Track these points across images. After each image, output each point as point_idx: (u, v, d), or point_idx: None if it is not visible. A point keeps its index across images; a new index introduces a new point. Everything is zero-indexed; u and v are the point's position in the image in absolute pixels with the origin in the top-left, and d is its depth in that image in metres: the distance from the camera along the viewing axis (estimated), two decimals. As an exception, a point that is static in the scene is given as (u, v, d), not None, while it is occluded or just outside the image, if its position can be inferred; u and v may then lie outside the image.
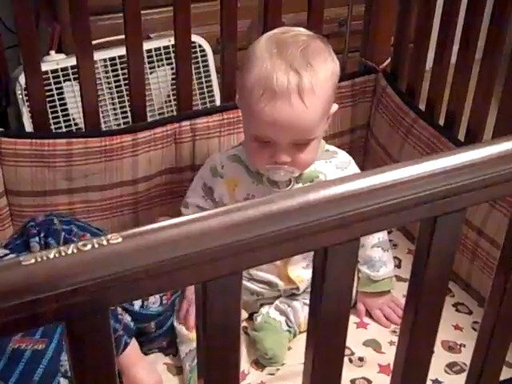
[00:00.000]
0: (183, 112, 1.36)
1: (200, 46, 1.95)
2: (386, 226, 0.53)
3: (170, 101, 1.84)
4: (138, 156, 1.32)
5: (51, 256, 0.42)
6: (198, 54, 1.94)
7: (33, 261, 0.42)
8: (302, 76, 1.06)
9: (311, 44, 1.09)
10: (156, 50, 1.89)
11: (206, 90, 1.98)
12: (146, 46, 1.86)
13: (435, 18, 1.36)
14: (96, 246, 0.43)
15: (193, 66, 1.93)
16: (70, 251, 0.42)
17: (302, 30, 1.15)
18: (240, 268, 0.48)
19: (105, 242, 0.43)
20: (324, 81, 1.08)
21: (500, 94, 1.21)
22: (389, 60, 1.48)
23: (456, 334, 1.25)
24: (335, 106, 1.15)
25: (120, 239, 0.44)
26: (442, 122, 1.37)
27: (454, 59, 1.32)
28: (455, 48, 1.32)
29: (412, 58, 1.41)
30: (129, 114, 1.52)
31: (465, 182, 0.52)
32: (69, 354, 0.46)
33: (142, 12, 1.99)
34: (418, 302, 0.59)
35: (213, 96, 1.91)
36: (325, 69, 1.08)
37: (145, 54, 1.85)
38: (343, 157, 1.23)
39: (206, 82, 1.98)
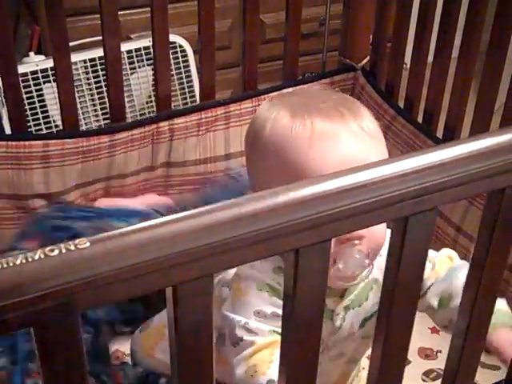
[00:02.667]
0: (162, 112, 1.36)
1: (180, 46, 1.95)
2: (357, 226, 0.53)
3: (151, 101, 1.84)
4: (115, 157, 1.32)
5: (18, 262, 0.42)
6: (179, 54, 1.94)
7: (-2, 267, 0.41)
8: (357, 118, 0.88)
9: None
10: (136, 50, 1.89)
11: (187, 89, 1.98)
12: (127, 46, 1.86)
13: (413, 17, 1.37)
14: (64, 251, 0.43)
15: (174, 66, 1.94)
16: (37, 257, 0.42)
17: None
18: (211, 270, 0.48)
19: (72, 247, 0.43)
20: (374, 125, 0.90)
21: (477, 91, 1.22)
22: (367, 58, 1.48)
23: (433, 338, 1.25)
24: None
25: (88, 244, 0.43)
26: (420, 119, 1.38)
27: (431, 58, 1.33)
28: (433, 46, 1.33)
29: (390, 56, 1.42)
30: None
31: (434, 181, 0.52)
32: (39, 360, 0.46)
33: (122, 12, 2.00)
34: (391, 303, 0.59)
35: (194, 95, 1.91)
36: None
37: (125, 55, 1.85)
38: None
39: (187, 81, 1.98)
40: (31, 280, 0.42)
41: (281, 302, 0.56)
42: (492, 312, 0.67)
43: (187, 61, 1.94)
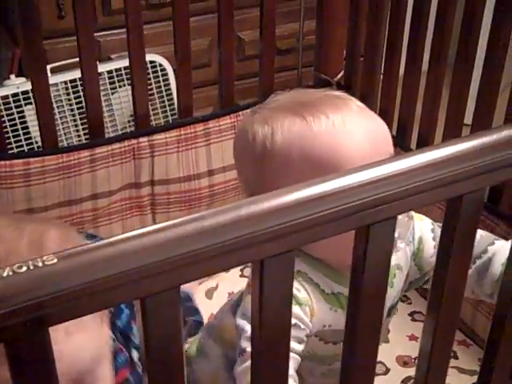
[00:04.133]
0: (141, 129, 1.38)
1: (160, 64, 1.98)
2: (319, 236, 0.55)
3: (132, 120, 1.86)
4: (97, 172, 1.33)
5: (-14, 279, 0.43)
6: (159, 73, 1.97)
7: (-33, 285, 0.43)
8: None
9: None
10: (117, 70, 1.91)
11: (168, 107, 2.00)
12: (107, 66, 1.88)
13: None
14: (31, 267, 0.44)
15: (154, 84, 1.96)
16: (5, 274, 0.44)
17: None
18: (177, 282, 0.50)
19: (40, 264, 0.44)
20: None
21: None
22: (342, 72, 1.51)
23: (411, 345, 1.27)
24: None
25: (55, 260, 0.45)
26: (394, 131, 1.40)
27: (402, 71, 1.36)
28: (403, 60, 1.36)
29: (364, 70, 1.44)
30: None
31: (393, 191, 0.54)
32: (11, 375, 0.47)
33: (102, 33, 2.03)
34: (357, 312, 0.60)
35: (175, 113, 1.94)
36: None
37: (106, 75, 1.87)
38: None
39: (168, 99, 2.00)
40: (0, 297, 0.44)
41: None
42: (458, 317, 0.69)
43: (167, 79, 1.97)
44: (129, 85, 1.80)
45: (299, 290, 0.88)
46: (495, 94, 1.18)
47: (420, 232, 1.00)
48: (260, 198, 0.51)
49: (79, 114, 1.84)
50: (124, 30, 1.35)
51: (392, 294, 0.96)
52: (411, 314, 1.35)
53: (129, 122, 1.92)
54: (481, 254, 0.96)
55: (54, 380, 0.48)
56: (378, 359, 0.65)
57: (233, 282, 1.37)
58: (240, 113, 1.43)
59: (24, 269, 0.44)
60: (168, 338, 0.52)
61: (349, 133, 0.86)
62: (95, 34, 1.36)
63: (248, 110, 0.94)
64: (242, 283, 1.10)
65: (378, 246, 0.58)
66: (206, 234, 0.49)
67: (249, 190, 0.95)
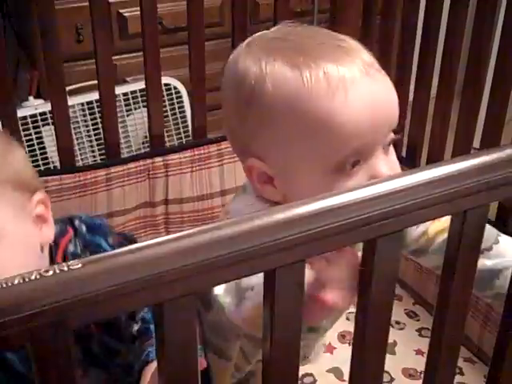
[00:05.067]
0: (156, 149, 1.41)
1: (175, 87, 2.02)
2: (328, 248, 0.57)
3: (147, 142, 1.90)
4: (112, 190, 1.37)
5: (16, 282, 0.46)
6: (174, 96, 2.01)
7: (-3, 286, 0.46)
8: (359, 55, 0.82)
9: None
10: (132, 92, 1.95)
11: (182, 129, 2.04)
12: (123, 89, 1.93)
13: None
14: (57, 271, 0.47)
15: (169, 107, 2.00)
16: (33, 277, 0.47)
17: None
18: (194, 289, 0.52)
19: (65, 268, 0.47)
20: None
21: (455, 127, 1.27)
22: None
23: (417, 359, 1.29)
24: None
25: (80, 265, 0.48)
26: (404, 154, 1.43)
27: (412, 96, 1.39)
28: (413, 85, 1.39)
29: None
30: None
31: (399, 205, 0.57)
32: (36, 376, 0.50)
33: (118, 57, 2.08)
34: (365, 323, 0.63)
35: (189, 135, 1.97)
36: None
37: (121, 97, 1.92)
38: None
39: (182, 121, 2.04)
40: (27, 299, 0.47)
41: None
42: (462, 330, 0.71)
43: (182, 102, 2.01)
44: (144, 107, 1.84)
45: None
46: (503, 117, 1.20)
47: None
48: (272, 210, 0.54)
49: (95, 134, 1.88)
50: (139, 53, 1.39)
51: None
52: (419, 330, 1.37)
53: (143, 143, 1.95)
54: (484, 250, 0.94)
55: (76, 380, 0.51)
56: (385, 368, 0.67)
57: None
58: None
59: (50, 272, 0.47)
60: (183, 342, 0.54)
61: (348, 101, 0.78)
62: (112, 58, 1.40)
63: (244, 44, 0.83)
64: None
65: (385, 258, 0.60)
66: (221, 243, 0.52)
67: (234, 142, 0.90)
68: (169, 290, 0.51)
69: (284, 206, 0.55)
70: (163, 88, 1.86)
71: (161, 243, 0.51)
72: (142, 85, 1.85)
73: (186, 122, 2.01)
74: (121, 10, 2.09)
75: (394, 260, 0.61)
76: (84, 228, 0.97)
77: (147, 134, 1.85)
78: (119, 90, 1.87)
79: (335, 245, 0.57)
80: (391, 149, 0.86)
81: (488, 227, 0.95)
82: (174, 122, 2.01)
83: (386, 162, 0.83)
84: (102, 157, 1.76)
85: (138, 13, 1.33)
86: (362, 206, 0.56)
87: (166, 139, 1.64)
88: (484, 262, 0.94)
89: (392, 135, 0.84)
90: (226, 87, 0.87)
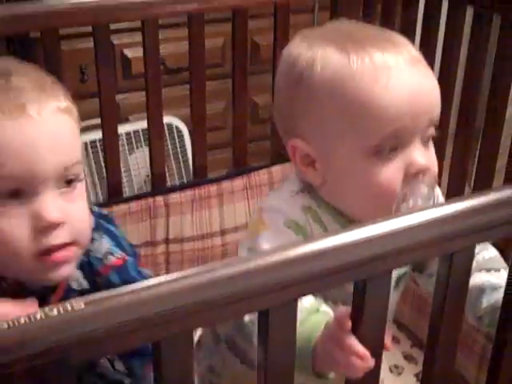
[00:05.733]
0: (157, 188, 1.44)
1: (177, 127, 2.06)
2: (321, 288, 0.60)
3: (149, 180, 1.93)
4: (114, 230, 1.39)
5: (22, 321, 0.49)
6: (175, 135, 2.04)
7: (5, 326, 0.48)
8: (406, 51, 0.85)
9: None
10: (135, 132, 1.99)
11: (183, 168, 2.07)
12: (125, 128, 1.96)
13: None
14: (62, 311, 0.50)
15: (171, 146, 2.03)
16: (38, 316, 0.49)
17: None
18: (190, 327, 0.55)
19: (69, 308, 0.50)
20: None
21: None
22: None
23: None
24: None
25: (83, 305, 0.50)
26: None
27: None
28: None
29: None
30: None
31: (387, 248, 0.60)
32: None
33: (121, 96, 2.11)
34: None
35: (190, 173, 2.00)
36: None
37: (124, 136, 1.95)
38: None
39: (183, 160, 2.07)
40: (32, 337, 0.49)
41: None
42: (453, 367, 0.73)
43: (183, 141, 2.05)
44: (146, 146, 1.87)
45: (305, 224, 0.87)
46: (494, 159, 1.22)
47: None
48: (265, 252, 0.57)
49: (97, 172, 1.91)
50: (142, 92, 1.43)
51: None
52: (417, 375, 1.38)
53: (145, 182, 1.98)
54: (491, 269, 0.93)
55: (77, 415, 0.53)
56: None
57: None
58: (252, 174, 1.50)
59: (55, 312, 0.50)
60: (181, 378, 0.57)
61: (390, 86, 0.81)
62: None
63: (299, 35, 0.90)
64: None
65: (375, 298, 0.63)
66: (216, 284, 0.54)
67: (280, 122, 0.94)
68: (166, 329, 0.54)
69: (276, 247, 0.57)
70: (165, 127, 1.90)
71: (159, 284, 0.53)
72: (144, 124, 1.88)
73: (187, 161, 2.04)
74: (124, 51, 2.14)
75: (383, 300, 0.64)
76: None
77: (149, 173, 1.88)
78: (122, 129, 1.90)
79: (327, 285, 0.60)
80: (431, 146, 0.88)
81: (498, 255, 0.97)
82: (176, 160, 2.04)
83: (424, 153, 0.85)
84: (105, 195, 1.79)
85: (142, 53, 1.37)
86: (351, 249, 0.59)
87: (168, 178, 1.67)
88: (489, 278, 0.92)
89: (433, 130, 0.86)
90: (279, 73, 0.93)
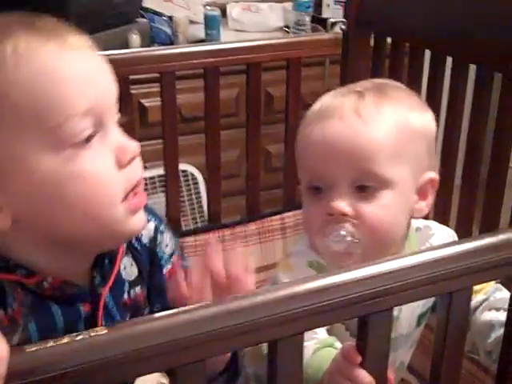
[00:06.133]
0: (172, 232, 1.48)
1: (192, 174, 2.12)
2: (327, 322, 0.64)
3: (163, 225, 1.98)
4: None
5: (49, 345, 0.53)
6: (190, 182, 2.10)
7: (34, 348, 0.53)
8: (365, 96, 0.90)
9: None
10: (151, 178, 2.04)
11: (197, 214, 2.12)
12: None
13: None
14: (86, 336, 0.54)
15: (186, 192, 2.09)
16: (65, 340, 0.54)
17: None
18: (203, 356, 0.59)
19: (93, 333, 0.54)
20: (403, 111, 0.90)
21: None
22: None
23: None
24: (431, 174, 0.93)
25: (105, 331, 0.55)
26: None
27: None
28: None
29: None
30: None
31: (388, 286, 0.64)
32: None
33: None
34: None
35: (204, 220, 2.05)
36: (406, 102, 0.92)
37: (140, 183, 2.01)
38: (441, 231, 1.01)
39: (198, 206, 2.12)
40: (58, 360, 0.54)
41: None
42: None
43: (198, 187, 2.10)
44: (161, 192, 1.92)
45: (327, 263, 0.89)
46: (499, 204, 1.26)
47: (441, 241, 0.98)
48: (274, 287, 0.61)
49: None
50: (158, 140, 1.48)
51: (402, 325, 0.95)
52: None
53: (160, 227, 2.03)
54: (501, 309, 0.94)
55: None
56: None
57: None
58: (265, 219, 1.55)
59: (80, 337, 0.54)
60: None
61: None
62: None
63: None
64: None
65: (377, 334, 0.66)
66: (227, 316, 0.59)
67: None
68: (181, 356, 0.58)
69: (285, 283, 0.62)
70: (180, 174, 1.96)
71: (175, 314, 0.58)
72: (160, 171, 1.95)
73: (201, 207, 2.09)
74: (142, 100, 2.21)
75: (386, 335, 0.68)
76: None
77: (164, 219, 1.93)
78: (139, 175, 1.96)
79: (331, 319, 0.64)
80: (377, 198, 0.87)
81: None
82: (190, 207, 2.10)
83: (349, 199, 0.86)
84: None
85: (158, 103, 1.43)
86: (354, 285, 0.63)
87: (182, 224, 1.71)
88: (498, 315, 0.94)
89: (364, 176, 0.87)
90: None
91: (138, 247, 0.84)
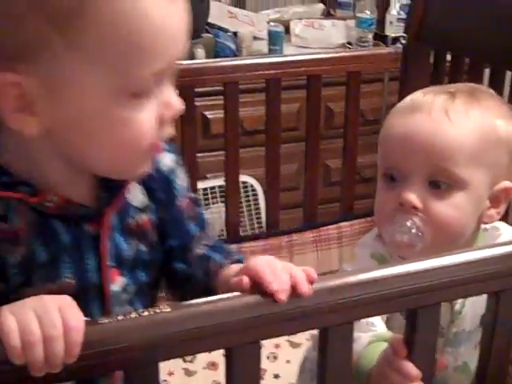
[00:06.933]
0: (231, 238, 1.53)
1: (252, 185, 2.16)
2: (374, 312, 0.67)
3: (222, 235, 2.03)
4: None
5: (120, 318, 0.58)
6: (250, 193, 2.15)
7: (106, 320, 0.58)
8: (456, 97, 0.92)
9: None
10: (211, 188, 2.10)
11: (256, 224, 2.17)
12: (203, 185, 2.08)
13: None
14: (152, 312, 0.59)
15: (245, 203, 2.14)
16: (133, 315, 0.59)
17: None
18: (258, 338, 0.63)
19: (158, 310, 0.59)
20: (490, 118, 0.91)
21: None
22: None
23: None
24: (507, 183, 0.93)
25: (169, 309, 0.60)
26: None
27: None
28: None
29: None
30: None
31: (435, 281, 0.67)
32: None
33: (201, 155, 2.23)
34: None
35: (262, 230, 2.09)
36: (495, 110, 0.93)
37: (201, 192, 2.07)
38: (509, 231, 0.99)
39: (257, 217, 2.17)
40: (126, 332, 0.59)
41: None
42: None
43: (257, 199, 2.15)
44: (221, 202, 1.98)
45: (388, 256, 0.93)
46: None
47: None
48: (327, 277, 0.65)
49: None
50: (220, 152, 1.53)
51: (464, 320, 0.95)
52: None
53: (218, 237, 2.08)
54: None
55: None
56: None
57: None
58: (321, 228, 1.58)
59: (146, 313, 0.59)
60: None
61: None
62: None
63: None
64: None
65: (425, 328, 0.69)
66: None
67: None
68: (236, 338, 0.62)
69: (337, 274, 0.66)
70: (241, 185, 2.01)
71: (232, 298, 0.62)
72: (220, 181, 2.00)
73: (260, 218, 2.14)
74: (205, 112, 2.27)
75: (433, 330, 0.70)
76: None
77: (223, 228, 1.98)
78: (200, 185, 2.02)
79: (379, 310, 0.67)
80: (451, 197, 0.88)
81: None
82: (249, 217, 2.15)
83: (421, 193, 0.88)
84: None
85: (221, 115, 1.48)
86: (403, 279, 0.66)
87: (241, 232, 1.76)
88: None
89: (440, 171, 0.88)
90: None
91: (156, 176, 0.86)
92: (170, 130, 0.75)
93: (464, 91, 0.94)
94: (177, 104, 0.74)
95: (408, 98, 0.96)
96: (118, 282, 0.80)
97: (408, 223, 0.87)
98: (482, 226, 0.96)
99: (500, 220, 0.97)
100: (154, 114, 0.72)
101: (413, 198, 0.88)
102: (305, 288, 0.63)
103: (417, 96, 0.95)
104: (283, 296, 0.63)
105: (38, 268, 0.75)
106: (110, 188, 0.79)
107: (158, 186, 0.86)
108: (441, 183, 0.88)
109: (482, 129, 0.91)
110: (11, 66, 0.67)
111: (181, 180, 0.89)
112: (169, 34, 0.69)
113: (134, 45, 0.67)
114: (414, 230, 0.87)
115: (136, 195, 0.84)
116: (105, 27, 0.66)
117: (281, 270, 0.66)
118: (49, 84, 0.68)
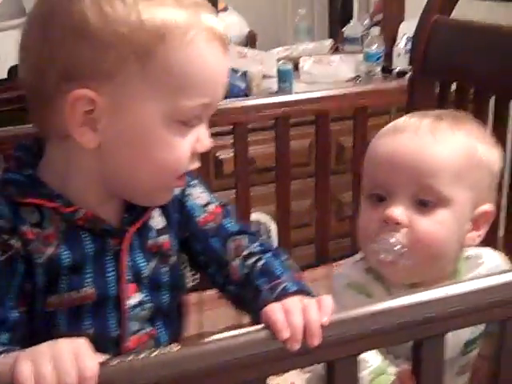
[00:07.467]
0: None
1: (265, 223, 2.18)
2: (381, 344, 0.68)
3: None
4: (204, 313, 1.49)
5: (129, 358, 0.60)
6: (262, 231, 2.16)
7: (115, 362, 0.59)
8: (443, 120, 0.94)
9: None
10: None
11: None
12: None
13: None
14: (162, 352, 0.61)
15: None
16: (142, 355, 0.60)
17: None
18: (265, 374, 0.64)
19: (168, 349, 0.61)
20: (474, 140, 0.93)
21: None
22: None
23: None
24: (488, 207, 0.94)
25: (179, 347, 0.61)
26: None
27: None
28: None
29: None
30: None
31: (440, 312, 0.68)
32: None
33: (213, 194, 2.25)
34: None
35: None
36: (478, 134, 0.95)
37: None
38: (491, 261, 0.98)
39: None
40: (137, 372, 0.60)
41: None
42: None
43: (270, 236, 2.17)
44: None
45: (366, 283, 0.94)
46: None
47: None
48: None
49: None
50: (232, 190, 1.55)
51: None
52: None
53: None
54: None
55: None
56: None
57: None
58: (333, 264, 1.58)
59: (156, 353, 0.61)
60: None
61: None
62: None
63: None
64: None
65: (430, 359, 0.70)
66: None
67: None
68: (240, 375, 0.64)
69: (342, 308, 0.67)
70: (255, 223, 2.02)
71: (235, 336, 0.64)
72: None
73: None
74: (217, 154, 2.30)
75: (439, 361, 0.71)
76: None
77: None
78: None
79: (387, 342, 0.68)
80: (435, 214, 0.89)
81: None
82: (264, 254, 2.15)
83: (406, 209, 0.88)
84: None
85: (232, 154, 1.50)
86: (409, 311, 0.67)
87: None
88: None
89: (424, 189, 0.89)
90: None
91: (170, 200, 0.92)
92: (197, 164, 0.84)
93: (449, 115, 0.97)
94: (208, 141, 0.84)
95: (393, 122, 0.98)
96: (134, 297, 0.87)
97: (392, 240, 0.88)
98: (465, 253, 0.96)
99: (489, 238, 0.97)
100: (191, 144, 0.82)
101: (397, 214, 0.89)
102: (314, 341, 0.65)
103: (402, 119, 0.98)
104: (294, 346, 0.65)
105: (62, 271, 0.82)
106: (134, 211, 0.87)
107: (172, 208, 0.93)
108: (426, 201, 0.89)
109: (467, 148, 0.92)
110: (86, 83, 0.76)
111: (195, 199, 0.96)
112: (218, 77, 0.82)
113: (192, 81, 0.79)
114: (397, 247, 0.88)
115: (155, 217, 0.92)
116: (172, 64, 0.78)
117: (295, 316, 0.67)
118: (115, 104, 0.77)
